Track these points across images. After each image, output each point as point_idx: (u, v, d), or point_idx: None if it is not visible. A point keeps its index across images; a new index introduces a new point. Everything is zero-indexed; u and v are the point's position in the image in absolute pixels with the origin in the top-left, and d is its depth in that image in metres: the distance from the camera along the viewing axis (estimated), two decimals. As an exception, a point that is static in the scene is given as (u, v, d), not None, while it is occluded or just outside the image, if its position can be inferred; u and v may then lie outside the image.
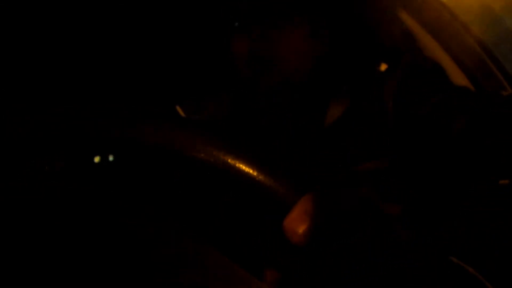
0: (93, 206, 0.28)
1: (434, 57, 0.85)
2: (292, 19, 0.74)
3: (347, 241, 0.27)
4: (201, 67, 0.99)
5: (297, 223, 0.26)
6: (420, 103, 0.68)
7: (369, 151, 0.69)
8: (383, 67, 0.82)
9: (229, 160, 0.27)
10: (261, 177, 0.27)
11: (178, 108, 1.05)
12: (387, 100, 0.71)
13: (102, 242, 0.26)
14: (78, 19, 0.82)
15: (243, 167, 0.27)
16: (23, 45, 0.78)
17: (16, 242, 0.25)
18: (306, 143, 0.73)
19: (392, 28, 0.93)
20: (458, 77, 0.87)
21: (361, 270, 0.27)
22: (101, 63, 0.90)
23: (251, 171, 0.27)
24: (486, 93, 0.83)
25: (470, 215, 0.48)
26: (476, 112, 0.63)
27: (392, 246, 0.27)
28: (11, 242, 0.25)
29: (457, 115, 0.63)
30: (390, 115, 0.70)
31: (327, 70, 0.78)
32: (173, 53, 0.98)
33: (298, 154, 0.72)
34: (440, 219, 0.58)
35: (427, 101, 0.67)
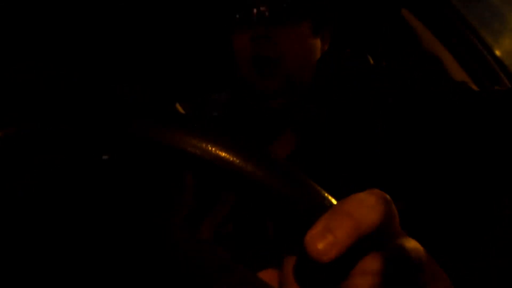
0: (92, 205, 0.28)
1: (434, 53, 0.85)
2: (296, 18, 0.73)
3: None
4: (202, 65, 0.99)
5: (319, 239, 0.25)
6: (419, 99, 0.68)
7: (369, 148, 0.69)
8: (383, 63, 0.82)
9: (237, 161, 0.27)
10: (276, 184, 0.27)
11: (178, 106, 1.05)
12: (387, 96, 0.71)
13: (101, 241, 0.26)
14: (78, 18, 0.82)
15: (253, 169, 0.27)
16: (24, 44, 0.78)
17: (16, 241, 0.25)
18: (307, 143, 0.73)
19: (392, 25, 0.93)
20: (458, 73, 0.87)
21: None
22: (102, 61, 0.90)
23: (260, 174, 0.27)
24: (486, 88, 0.83)
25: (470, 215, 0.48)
26: (476, 107, 0.63)
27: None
28: (11, 242, 0.25)
29: (459, 108, 0.63)
30: (390, 112, 0.70)
31: (330, 68, 0.78)
32: (174, 51, 0.98)
33: (300, 156, 0.72)
34: (440, 216, 0.58)
35: (426, 97, 0.67)
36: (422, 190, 0.65)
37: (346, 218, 0.26)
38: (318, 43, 0.77)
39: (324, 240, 0.25)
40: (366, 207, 0.27)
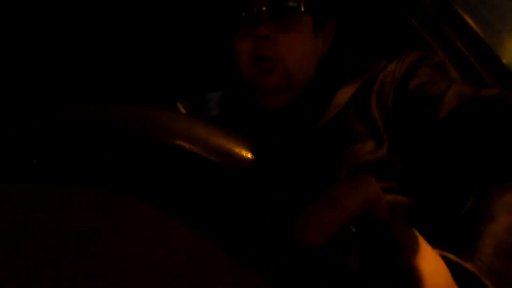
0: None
1: (436, 53, 0.85)
2: (297, 18, 0.73)
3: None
4: (203, 65, 1.00)
5: (307, 226, 0.26)
6: (420, 97, 0.68)
7: (368, 145, 0.69)
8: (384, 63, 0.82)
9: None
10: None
11: (179, 105, 1.05)
12: (388, 95, 0.71)
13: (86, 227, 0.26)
14: (78, 18, 0.82)
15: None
16: (23, 43, 0.78)
17: (16, 240, 0.25)
18: (306, 141, 0.73)
19: (395, 24, 0.93)
20: (459, 73, 0.87)
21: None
22: (103, 61, 0.90)
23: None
24: (486, 88, 0.83)
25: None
26: (477, 106, 0.63)
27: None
28: (11, 240, 0.25)
29: (458, 107, 0.63)
30: (390, 110, 0.70)
31: (330, 67, 0.78)
32: (174, 50, 0.98)
33: (298, 152, 0.72)
34: (440, 212, 0.58)
35: (426, 95, 0.67)
36: (423, 187, 0.65)
37: (332, 204, 0.26)
38: (318, 42, 0.78)
39: (313, 227, 0.26)
40: (351, 192, 0.27)
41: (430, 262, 0.28)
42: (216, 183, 0.28)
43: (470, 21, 0.86)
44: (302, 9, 0.73)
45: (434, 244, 0.36)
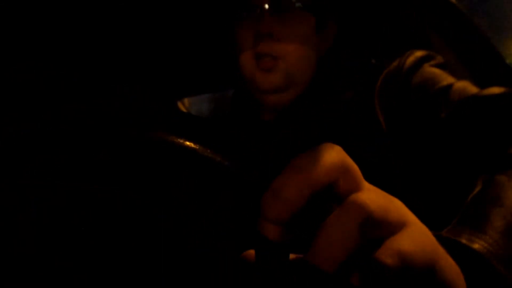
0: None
1: (437, 52, 0.85)
2: (299, 16, 0.73)
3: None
4: (204, 62, 0.99)
5: (270, 201, 0.25)
6: (423, 95, 0.68)
7: (371, 144, 0.69)
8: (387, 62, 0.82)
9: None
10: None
11: (179, 103, 1.05)
12: (390, 93, 0.71)
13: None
14: (79, 17, 0.82)
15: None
16: (24, 44, 0.78)
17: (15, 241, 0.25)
18: (307, 141, 0.73)
19: (397, 23, 0.93)
20: (461, 72, 0.87)
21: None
22: (103, 61, 0.90)
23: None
24: (489, 87, 0.83)
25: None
26: (479, 104, 0.63)
27: None
28: (11, 242, 0.25)
29: (460, 106, 0.63)
30: (393, 109, 0.70)
31: (331, 66, 0.78)
32: (175, 47, 0.98)
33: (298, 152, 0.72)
34: (444, 204, 0.58)
35: (429, 94, 0.67)
36: (427, 183, 0.65)
37: (295, 174, 0.25)
38: (320, 42, 0.78)
39: (276, 200, 0.25)
40: (314, 160, 0.26)
41: (410, 230, 0.27)
42: (216, 183, 0.28)
43: (473, 19, 0.86)
44: (304, 7, 0.73)
45: (440, 229, 0.35)
